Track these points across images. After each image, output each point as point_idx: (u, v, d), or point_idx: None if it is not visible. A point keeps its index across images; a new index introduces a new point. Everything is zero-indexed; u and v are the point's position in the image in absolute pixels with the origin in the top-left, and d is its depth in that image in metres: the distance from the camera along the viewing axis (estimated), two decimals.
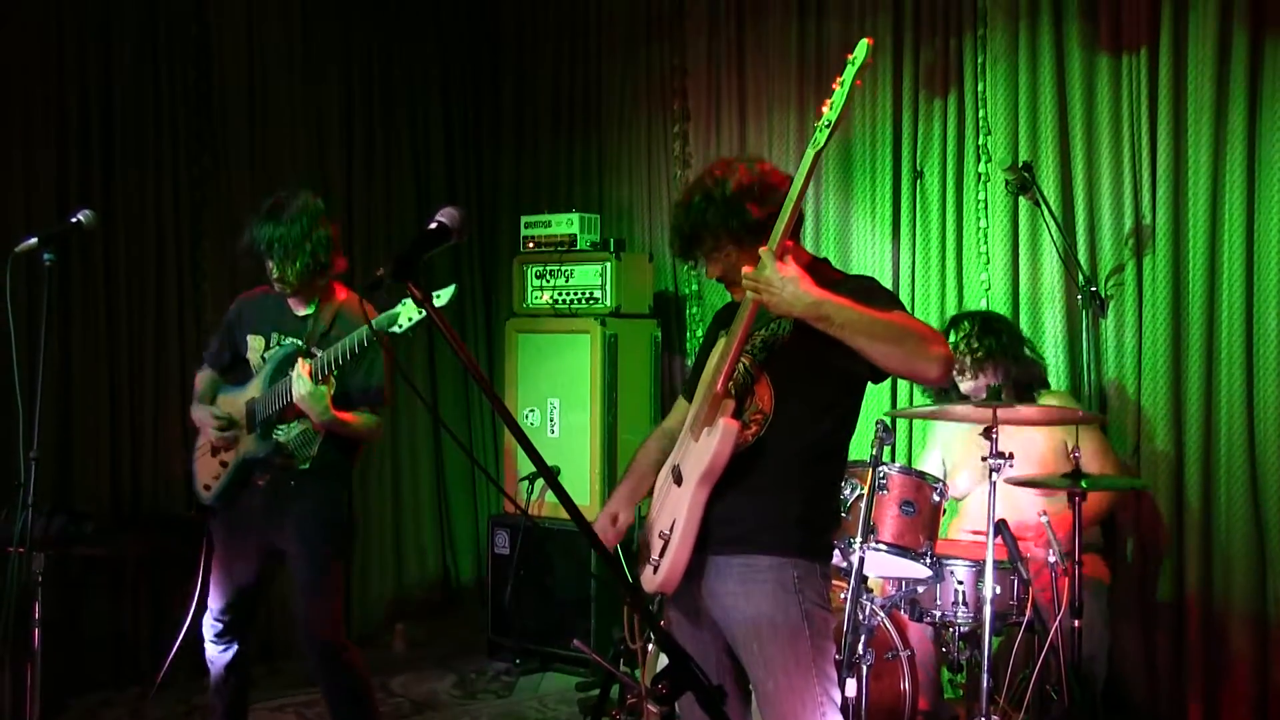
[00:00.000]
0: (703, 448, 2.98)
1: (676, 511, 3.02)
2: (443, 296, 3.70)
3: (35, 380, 3.70)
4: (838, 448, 3.13)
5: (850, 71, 2.81)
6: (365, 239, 6.70)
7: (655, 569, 3.03)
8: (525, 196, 7.13)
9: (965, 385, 4.78)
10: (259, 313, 4.26)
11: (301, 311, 4.19)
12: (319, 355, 4.01)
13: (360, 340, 3.87)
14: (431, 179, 7.13)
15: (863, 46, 2.82)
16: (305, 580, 4.14)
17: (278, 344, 4.18)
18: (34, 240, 3.76)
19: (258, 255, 4.08)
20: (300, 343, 4.13)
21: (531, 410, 6.26)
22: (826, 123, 2.82)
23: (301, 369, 3.95)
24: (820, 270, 3.05)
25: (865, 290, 2.98)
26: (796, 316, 2.87)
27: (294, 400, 3.98)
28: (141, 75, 5.84)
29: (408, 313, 3.64)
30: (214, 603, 4.24)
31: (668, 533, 3.02)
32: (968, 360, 4.72)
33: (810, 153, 2.85)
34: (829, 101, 2.84)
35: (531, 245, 6.39)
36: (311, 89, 6.53)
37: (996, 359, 4.74)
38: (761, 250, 2.88)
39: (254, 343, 4.24)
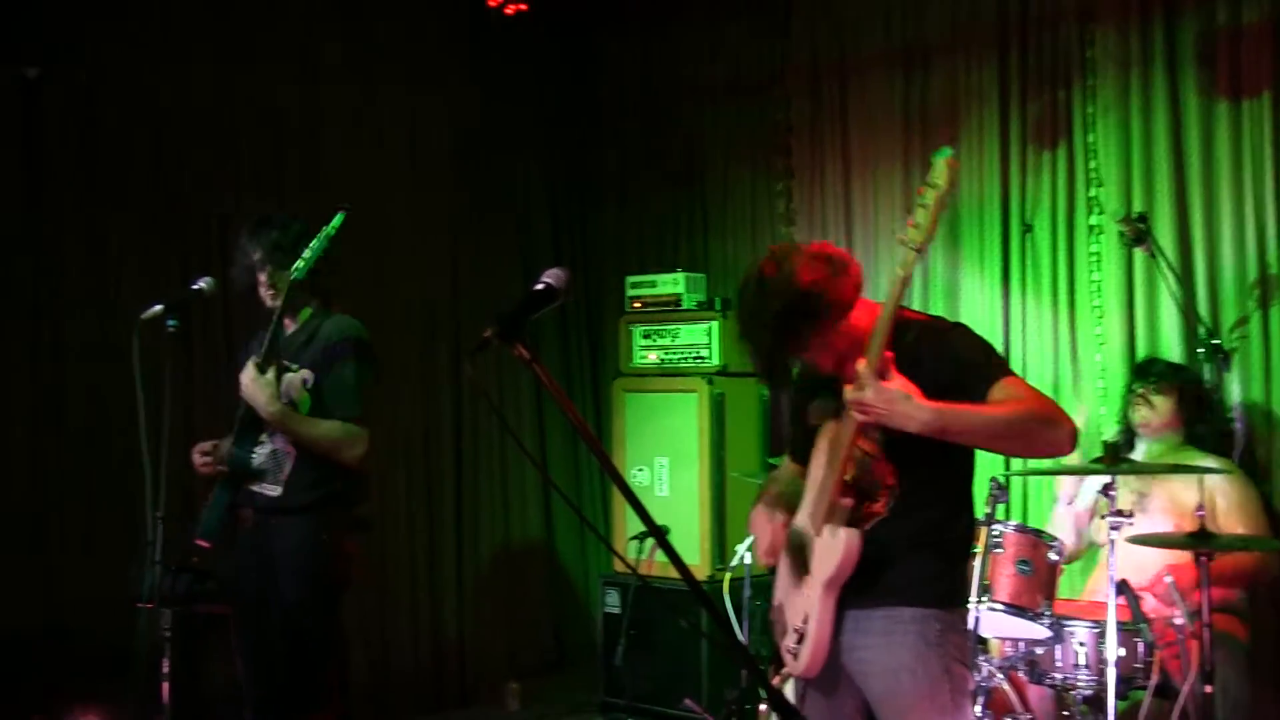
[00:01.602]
0: (827, 552, 2.94)
1: (809, 608, 3.00)
2: (334, 222, 3.86)
3: (159, 442, 3.79)
4: (966, 502, 3.08)
5: (930, 196, 2.68)
6: (471, 301, 6.78)
7: (795, 656, 3.03)
8: (630, 256, 7.16)
9: (1139, 415, 4.70)
10: (258, 340, 4.17)
11: (291, 330, 4.13)
12: (291, 364, 3.96)
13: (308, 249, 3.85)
14: (535, 239, 7.19)
15: (941, 169, 2.68)
16: (279, 639, 3.93)
17: None
18: (159, 307, 3.88)
19: (250, 267, 4.05)
20: (277, 359, 4.00)
21: (640, 469, 6.25)
22: (913, 245, 2.70)
23: (250, 364, 3.91)
24: (908, 334, 2.90)
25: (967, 364, 2.87)
26: (912, 432, 2.74)
27: (242, 394, 3.88)
28: (245, 141, 6.00)
29: (312, 252, 3.78)
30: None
31: (802, 627, 3.01)
32: (1141, 392, 4.70)
33: (900, 273, 2.73)
34: (913, 221, 2.70)
35: (637, 305, 6.41)
36: (413, 154, 6.64)
37: (1167, 385, 4.69)
38: (859, 367, 2.73)
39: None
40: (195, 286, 4.01)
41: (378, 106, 6.48)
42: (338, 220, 3.89)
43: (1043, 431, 2.78)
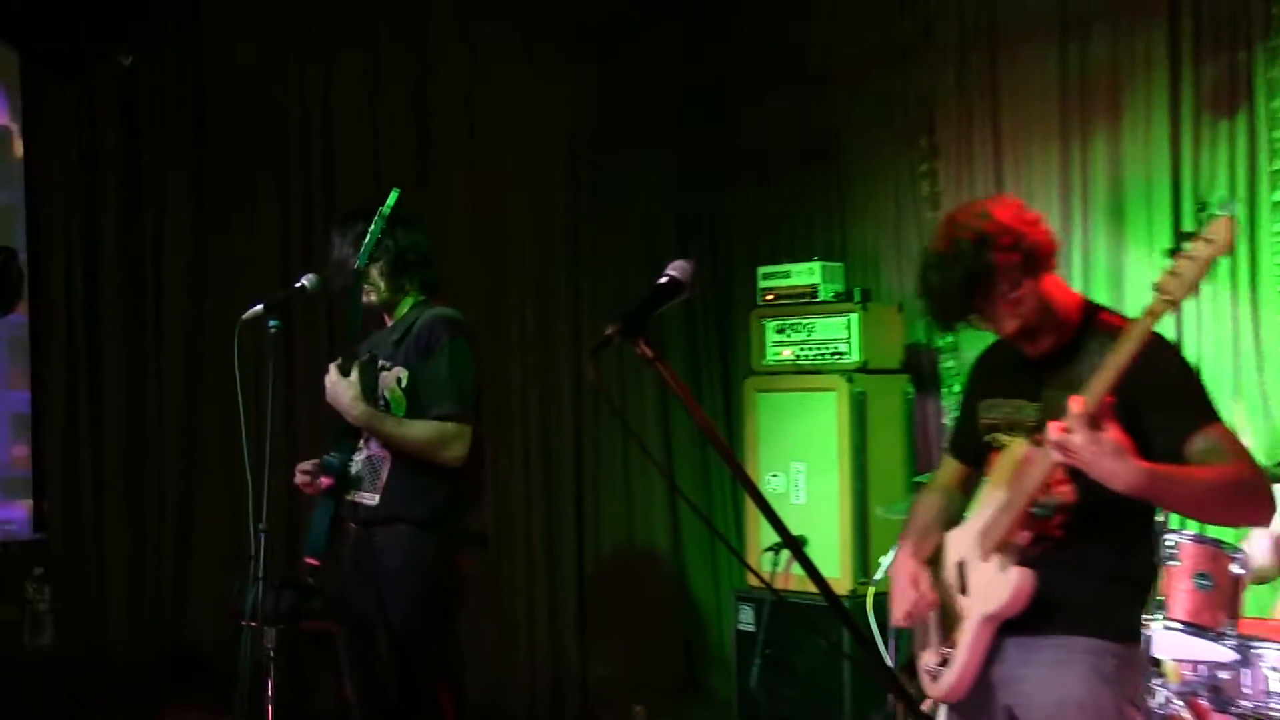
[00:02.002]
0: (993, 586, 2.88)
1: (959, 632, 2.95)
2: (388, 201, 3.85)
3: (262, 450, 3.77)
4: (1148, 523, 2.99)
5: (1202, 250, 2.56)
6: (593, 296, 6.76)
7: (934, 678, 3.00)
8: (761, 244, 7.08)
9: None
10: (368, 339, 4.15)
11: (389, 325, 4.09)
12: (385, 362, 3.93)
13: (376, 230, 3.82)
14: (660, 229, 7.15)
15: (1221, 226, 2.57)
16: (387, 660, 3.89)
17: None
18: (259, 307, 3.87)
19: (343, 265, 4.01)
20: (366, 355, 3.97)
21: (774, 475, 6.17)
22: (1169, 296, 2.58)
23: (332, 366, 3.89)
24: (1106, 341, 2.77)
25: (1174, 397, 2.77)
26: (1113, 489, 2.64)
27: (328, 399, 3.86)
28: (360, 135, 6.05)
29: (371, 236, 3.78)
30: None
31: (948, 651, 2.97)
32: None
33: (1146, 321, 2.60)
34: (1175, 270, 2.57)
35: (770, 298, 6.34)
36: (527, 141, 6.64)
37: None
38: (1073, 406, 2.59)
39: None
40: (298, 285, 4.00)
41: (489, 90, 6.49)
42: (392, 199, 3.88)
43: (1247, 506, 2.73)
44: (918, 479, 5.83)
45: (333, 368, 3.91)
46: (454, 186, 6.32)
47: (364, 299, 4.04)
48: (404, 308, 4.08)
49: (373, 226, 3.87)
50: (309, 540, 3.93)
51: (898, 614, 3.07)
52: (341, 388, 3.86)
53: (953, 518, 3.16)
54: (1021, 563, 2.85)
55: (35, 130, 5.66)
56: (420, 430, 3.88)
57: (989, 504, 2.97)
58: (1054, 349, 2.89)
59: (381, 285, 4.01)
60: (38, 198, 5.66)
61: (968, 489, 3.24)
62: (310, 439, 5.76)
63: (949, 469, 3.28)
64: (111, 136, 5.71)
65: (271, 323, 3.84)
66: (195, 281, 5.81)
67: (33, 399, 5.69)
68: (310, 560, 3.92)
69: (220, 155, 5.82)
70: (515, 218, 6.54)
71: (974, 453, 3.13)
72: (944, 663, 2.97)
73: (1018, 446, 2.91)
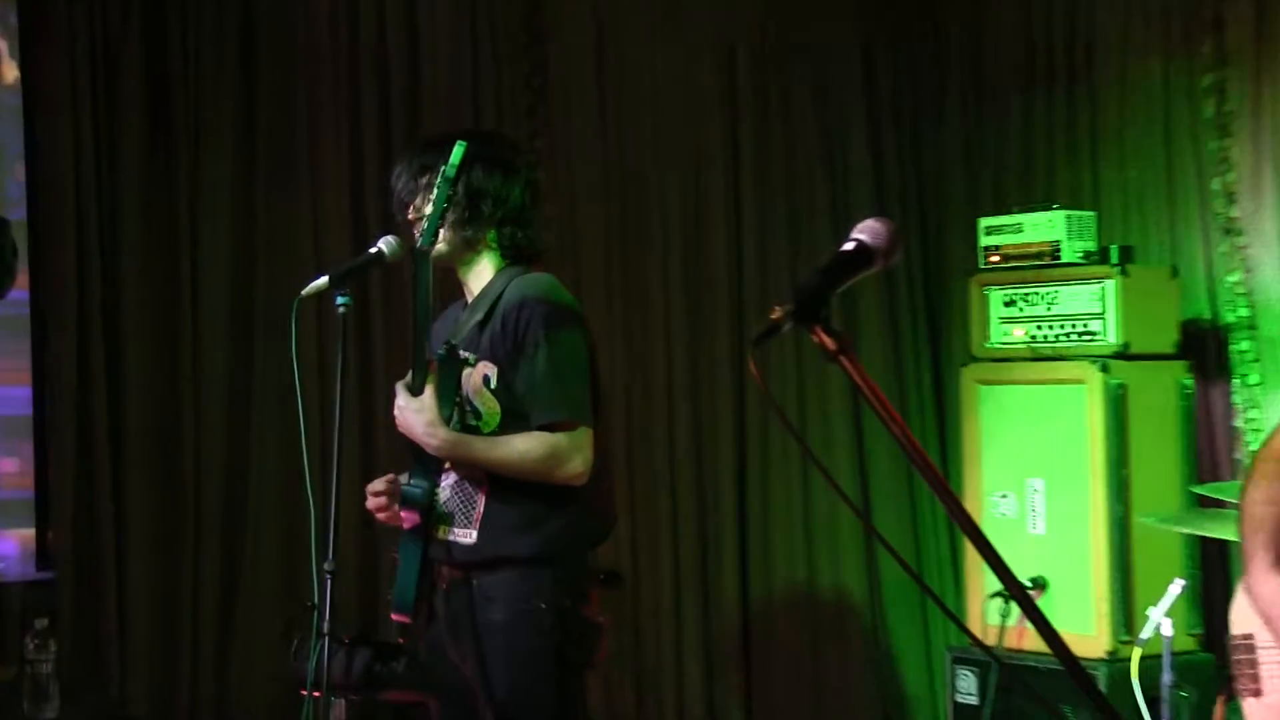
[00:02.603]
0: None
1: None
2: (453, 159, 3.77)
3: (329, 466, 3.83)
4: None
5: None
6: (758, 263, 6.75)
7: None
8: (984, 189, 7.05)
9: None
10: (443, 321, 4.15)
11: (470, 299, 4.07)
12: (467, 354, 3.91)
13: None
14: (849, 173, 7.14)
15: None
16: None
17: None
18: (324, 280, 3.90)
19: (402, 202, 4.01)
20: (443, 347, 3.96)
21: (1004, 495, 6.14)
22: None
23: (400, 387, 3.87)
24: None
25: None
26: None
27: (399, 429, 3.86)
28: (459, 63, 6.12)
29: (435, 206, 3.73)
30: None
31: None
32: None
33: None
34: None
35: (996, 259, 6.31)
36: (679, 60, 6.70)
37: None
38: None
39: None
40: (373, 250, 4.02)
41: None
42: (457, 155, 3.81)
43: None
44: (1197, 489, 5.75)
45: (400, 388, 3.89)
46: (576, 124, 6.36)
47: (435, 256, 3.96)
48: (483, 272, 4.04)
49: (435, 193, 3.82)
50: (395, 592, 3.95)
51: None
52: (412, 413, 3.84)
53: None
54: None
55: (34, 48, 5.74)
56: (521, 447, 3.85)
57: None
58: None
59: (444, 237, 3.92)
60: (39, 136, 5.75)
61: None
62: (391, 451, 5.83)
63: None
64: (132, 56, 5.80)
65: (340, 299, 3.85)
66: (242, 246, 5.91)
67: (34, 397, 5.77)
68: (399, 616, 3.95)
69: (273, 83, 5.90)
70: (657, 162, 6.56)
71: None
72: None
73: None
